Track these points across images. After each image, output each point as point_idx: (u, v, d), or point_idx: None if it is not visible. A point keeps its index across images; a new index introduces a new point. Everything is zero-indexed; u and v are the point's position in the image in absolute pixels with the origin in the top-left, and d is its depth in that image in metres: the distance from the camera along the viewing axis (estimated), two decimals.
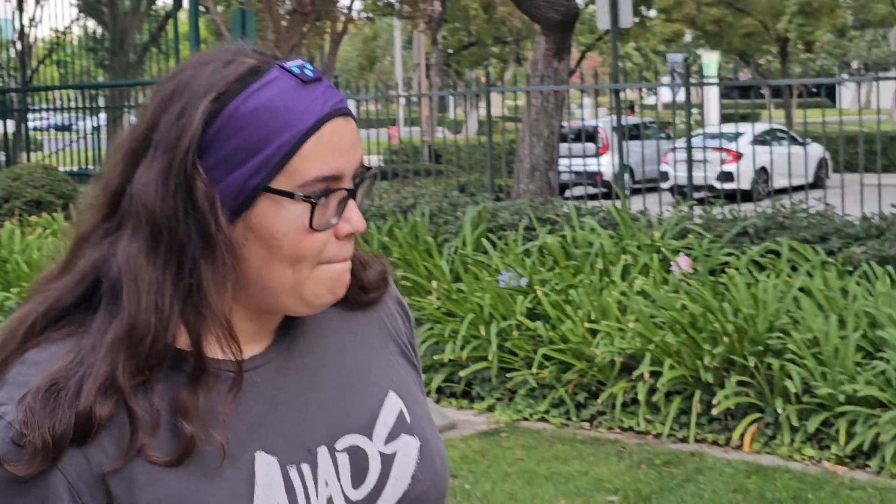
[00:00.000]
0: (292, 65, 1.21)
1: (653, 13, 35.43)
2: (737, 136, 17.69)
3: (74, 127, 15.75)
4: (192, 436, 1.15)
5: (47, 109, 16.12)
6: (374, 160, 13.66)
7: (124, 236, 1.18)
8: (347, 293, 1.32)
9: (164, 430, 1.16)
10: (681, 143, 10.91)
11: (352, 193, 1.22)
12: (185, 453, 1.15)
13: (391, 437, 1.32)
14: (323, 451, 1.26)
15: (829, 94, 34.73)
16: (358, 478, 1.28)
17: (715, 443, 6.22)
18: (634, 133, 17.90)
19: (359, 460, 1.28)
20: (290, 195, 1.17)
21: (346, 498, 1.26)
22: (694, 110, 10.90)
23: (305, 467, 1.24)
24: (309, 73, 1.21)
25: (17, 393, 1.14)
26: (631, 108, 19.14)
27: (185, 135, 1.16)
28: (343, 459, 1.28)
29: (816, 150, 18.60)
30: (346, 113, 1.22)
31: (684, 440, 6.26)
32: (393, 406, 1.34)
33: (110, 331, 1.16)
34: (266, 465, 1.21)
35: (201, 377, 1.18)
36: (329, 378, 1.32)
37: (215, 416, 1.18)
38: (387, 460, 1.30)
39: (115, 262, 1.18)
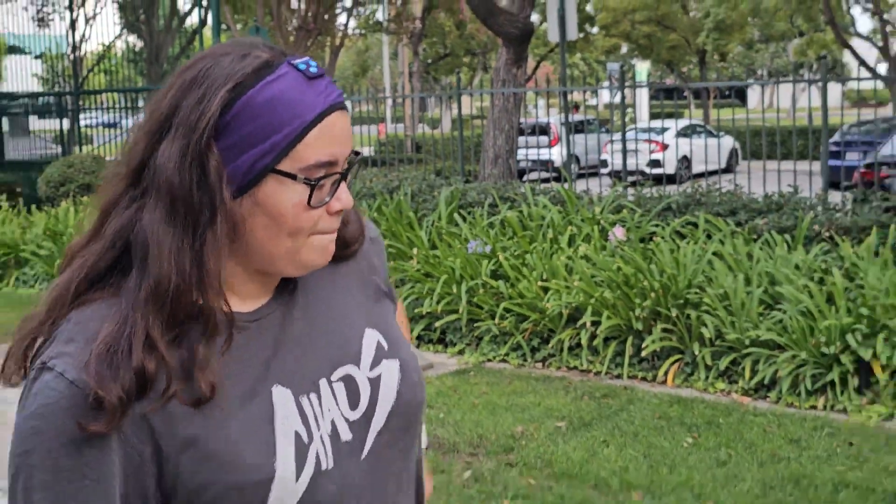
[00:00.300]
0: (299, 61, 1.19)
1: (595, 29, 35.44)
2: (663, 130, 17.61)
3: (118, 124, 15.69)
4: (213, 381, 1.14)
5: (96, 109, 15.78)
6: (367, 151, 13.65)
7: (148, 205, 1.15)
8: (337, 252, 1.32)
9: (190, 377, 1.14)
10: (617, 136, 10.85)
11: (343, 176, 1.21)
12: (210, 395, 1.13)
13: (374, 363, 1.30)
14: (323, 383, 1.25)
15: (738, 95, 35.06)
16: (353, 401, 1.27)
17: (644, 379, 6.21)
18: (579, 128, 17.84)
19: (352, 386, 1.28)
20: (294, 177, 1.16)
21: (346, 419, 1.26)
22: (628, 109, 10.90)
23: (313, 397, 1.24)
24: (313, 70, 1.19)
25: (66, 348, 1.12)
26: (576, 107, 19.16)
27: (204, 118, 1.14)
28: (339, 388, 1.27)
29: (728, 142, 18.82)
30: (343, 107, 1.21)
31: (619, 377, 6.26)
32: (371, 339, 1.32)
33: (142, 290, 1.13)
34: (282, 397, 1.20)
35: (212, 325, 1.16)
36: (320, 323, 1.30)
37: (229, 360, 1.17)
38: (374, 382, 1.29)
39: (141, 227, 1.15)
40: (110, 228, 1.17)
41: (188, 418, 1.13)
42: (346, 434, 1.25)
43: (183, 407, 1.12)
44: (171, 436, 1.12)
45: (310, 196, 1.16)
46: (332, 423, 1.24)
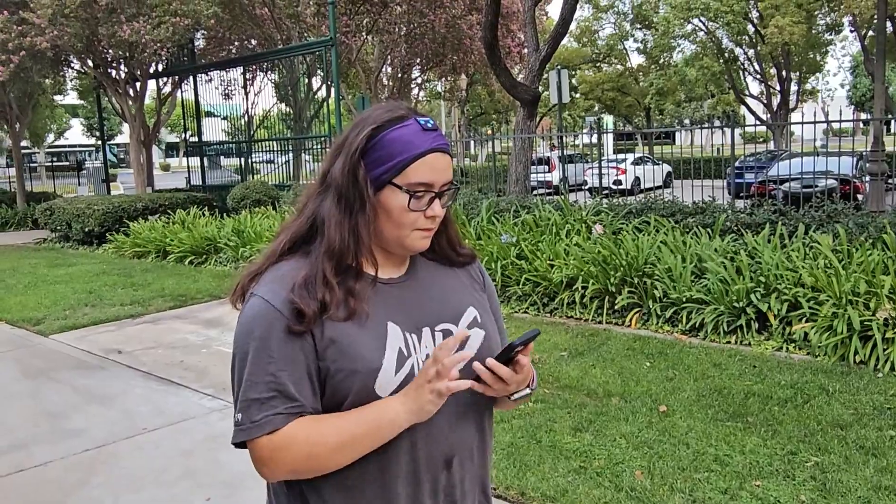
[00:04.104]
0: (423, 119, 1.18)
1: (578, 95, 35.51)
2: (623, 160, 17.65)
3: (274, 161, 15.84)
4: (354, 308, 1.16)
5: (260, 152, 16.15)
6: None
7: (328, 197, 1.19)
8: (446, 254, 1.31)
9: (343, 305, 1.16)
10: (594, 164, 10.89)
11: (437, 195, 1.19)
12: (350, 315, 1.16)
13: (470, 326, 1.27)
14: (426, 330, 1.22)
15: (671, 137, 34.70)
16: None
17: (616, 324, 6.13)
18: (569, 160, 18.03)
19: (448, 336, 1.24)
20: (401, 188, 1.16)
21: None
22: (600, 147, 10.88)
23: (415, 336, 1.21)
24: (430, 125, 1.18)
25: (266, 286, 1.16)
26: (553, 146, 19.01)
27: (356, 143, 1.17)
28: (439, 336, 1.23)
29: (666, 167, 18.41)
30: (444, 150, 1.19)
31: (600, 323, 6.18)
32: (470, 314, 1.28)
33: (322, 247, 1.17)
34: (394, 329, 1.19)
35: (360, 277, 1.19)
36: (435, 294, 1.27)
37: (366, 300, 1.18)
38: (464, 340, 1.23)
39: (322, 209, 1.19)
40: (307, 211, 1.21)
41: (335, 327, 1.15)
42: None
43: (333, 321, 1.15)
44: (323, 336, 1.15)
45: (409, 201, 1.16)
46: (427, 355, 1.21)
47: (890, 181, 9.69)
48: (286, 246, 1.20)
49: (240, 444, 1.16)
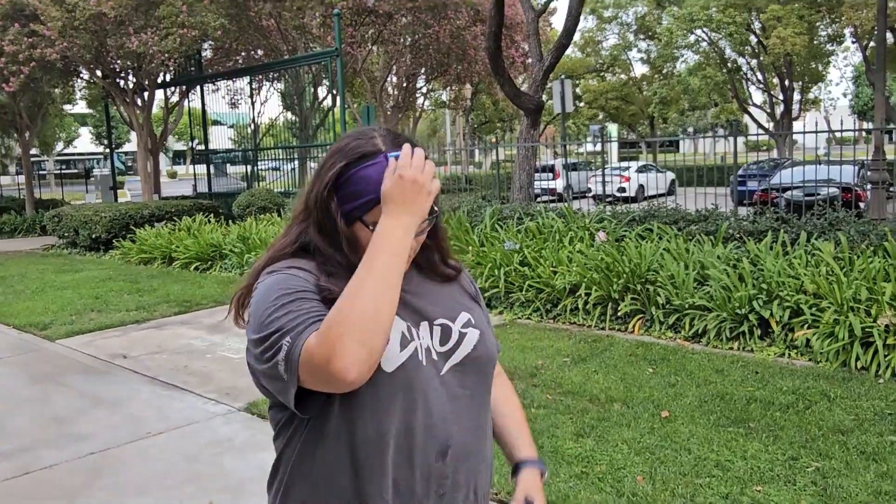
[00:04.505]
0: (393, 154, 1.16)
1: (582, 104, 35.50)
2: (627, 168, 17.64)
3: (280, 168, 15.87)
4: None
5: (267, 159, 16.19)
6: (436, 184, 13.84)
7: (312, 222, 1.21)
8: (439, 269, 1.32)
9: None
10: (598, 172, 10.89)
11: None
12: None
13: (464, 327, 1.28)
14: (424, 324, 1.24)
15: (674, 145, 34.72)
16: (443, 340, 1.25)
17: (619, 330, 6.12)
18: (573, 167, 17.68)
19: (445, 331, 1.25)
20: (368, 226, 1.16)
21: (435, 349, 1.23)
22: (604, 155, 10.85)
23: (414, 328, 1.22)
24: None
25: (274, 266, 1.20)
26: (565, 153, 19.11)
27: (327, 177, 1.18)
28: (436, 329, 1.25)
29: (669, 175, 18.37)
30: None
31: (603, 329, 6.16)
32: (465, 316, 1.29)
33: (317, 259, 1.20)
34: (398, 322, 1.20)
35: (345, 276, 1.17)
36: (431, 299, 1.27)
37: None
38: (461, 335, 1.27)
39: (311, 235, 1.21)
40: (293, 232, 1.23)
41: None
42: (433, 356, 1.23)
43: None
44: None
45: None
46: (428, 347, 1.22)
47: (891, 189, 9.67)
48: (270, 262, 1.22)
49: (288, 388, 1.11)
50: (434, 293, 1.30)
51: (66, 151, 48.41)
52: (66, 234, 13.57)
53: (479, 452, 1.28)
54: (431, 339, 1.23)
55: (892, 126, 19.13)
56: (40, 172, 35.87)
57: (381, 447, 1.17)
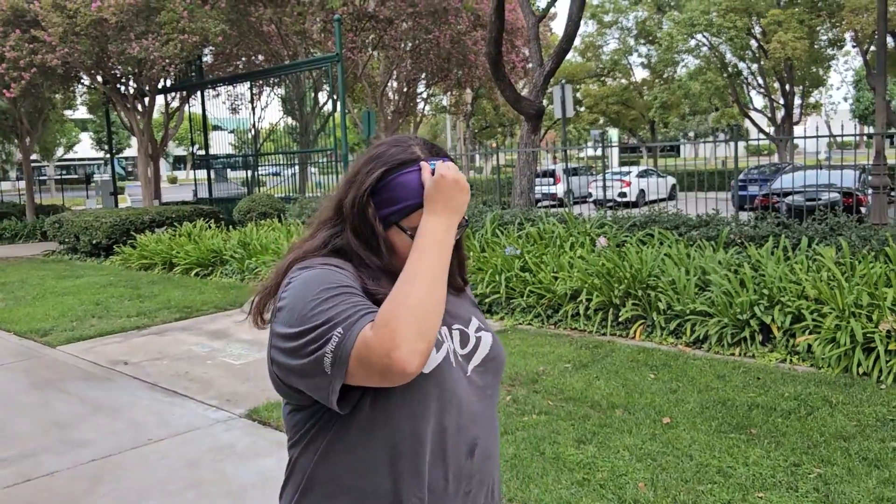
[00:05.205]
0: (432, 161, 1.20)
1: (582, 108, 35.48)
2: (628, 173, 17.57)
3: (280, 173, 15.89)
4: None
5: (267, 164, 16.13)
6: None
7: (347, 229, 1.21)
8: (455, 282, 1.35)
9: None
10: (598, 177, 10.85)
11: None
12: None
13: (476, 330, 1.31)
14: (444, 329, 1.25)
15: (675, 150, 34.77)
16: (463, 343, 1.28)
17: (620, 335, 6.09)
18: (574, 172, 17.96)
19: (463, 335, 1.29)
20: (405, 231, 1.19)
21: (457, 353, 1.26)
22: (605, 160, 10.82)
23: (443, 328, 1.25)
24: None
25: (306, 263, 1.19)
26: (566, 158, 19.15)
27: (367, 182, 1.19)
28: (455, 334, 1.27)
29: (670, 180, 18.25)
30: None
31: (604, 335, 6.14)
32: (475, 322, 1.33)
33: (355, 259, 1.21)
34: None
35: (383, 279, 1.20)
36: (447, 305, 1.24)
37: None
38: (477, 338, 1.30)
39: (346, 238, 1.21)
40: (321, 236, 1.23)
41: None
42: (459, 358, 1.25)
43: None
44: None
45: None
46: (452, 350, 1.24)
47: (892, 194, 9.68)
48: (294, 264, 1.21)
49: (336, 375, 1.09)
50: (448, 300, 1.30)
51: (66, 157, 48.48)
52: (66, 240, 13.59)
53: (496, 450, 1.32)
54: (452, 342, 1.26)
55: (893, 130, 19.15)
56: (41, 178, 35.95)
57: (417, 448, 1.17)
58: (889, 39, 18.06)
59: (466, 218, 1.25)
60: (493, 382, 1.31)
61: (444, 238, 1.15)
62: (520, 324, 6.72)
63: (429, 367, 1.17)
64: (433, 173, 1.18)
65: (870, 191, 9.34)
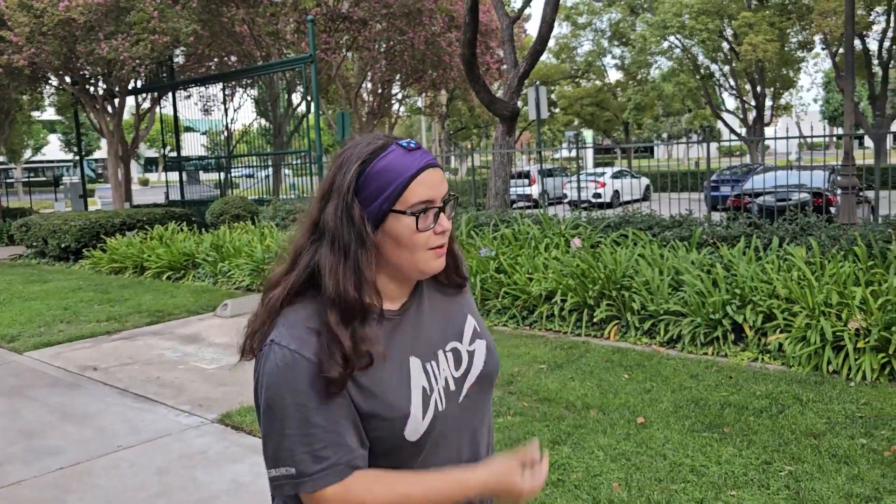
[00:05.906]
0: (403, 141, 1.17)
1: (557, 110, 35.72)
2: (603, 174, 17.72)
3: (254, 175, 15.82)
4: (368, 351, 1.13)
5: (240, 166, 16.07)
6: None
7: (324, 245, 1.15)
8: (450, 278, 1.31)
9: (359, 354, 1.13)
10: (573, 178, 10.91)
11: (441, 209, 1.17)
12: (370, 362, 1.14)
13: (471, 340, 1.29)
14: (440, 353, 1.24)
15: (649, 151, 35.22)
16: (457, 364, 1.26)
17: (595, 336, 6.10)
18: (549, 173, 17.82)
19: (457, 355, 1.26)
20: (404, 213, 1.14)
21: (453, 376, 1.24)
22: (579, 161, 10.87)
23: (433, 363, 1.22)
24: (412, 145, 1.17)
25: (285, 331, 1.13)
26: (540, 160, 19.25)
27: (346, 182, 1.14)
28: (449, 356, 1.25)
29: (644, 181, 18.51)
30: (434, 165, 1.17)
31: (579, 335, 6.15)
32: (470, 324, 1.31)
33: (325, 296, 1.14)
34: (416, 365, 1.20)
35: (367, 318, 1.15)
36: (439, 315, 1.27)
37: (378, 340, 1.16)
38: (470, 353, 1.28)
39: (319, 258, 1.15)
40: (302, 263, 1.17)
41: (359, 376, 1.13)
42: (451, 385, 1.24)
43: (356, 371, 1.13)
44: (353, 385, 1.13)
45: (416, 223, 1.15)
46: (445, 378, 1.23)
47: (861, 194, 9.86)
48: (286, 299, 1.17)
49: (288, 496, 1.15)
50: (444, 307, 1.30)
51: (34, 159, 47.65)
52: (34, 244, 13.34)
53: (483, 451, 1.35)
54: (448, 365, 1.25)
55: (861, 132, 19.51)
56: (8, 180, 35.29)
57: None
58: (857, 42, 18.42)
59: (453, 193, 1.21)
60: (485, 391, 1.32)
61: (460, 493, 1.17)
62: (495, 325, 6.72)
63: (416, 436, 1.17)
64: (531, 465, 1.23)
65: (839, 191, 9.50)
